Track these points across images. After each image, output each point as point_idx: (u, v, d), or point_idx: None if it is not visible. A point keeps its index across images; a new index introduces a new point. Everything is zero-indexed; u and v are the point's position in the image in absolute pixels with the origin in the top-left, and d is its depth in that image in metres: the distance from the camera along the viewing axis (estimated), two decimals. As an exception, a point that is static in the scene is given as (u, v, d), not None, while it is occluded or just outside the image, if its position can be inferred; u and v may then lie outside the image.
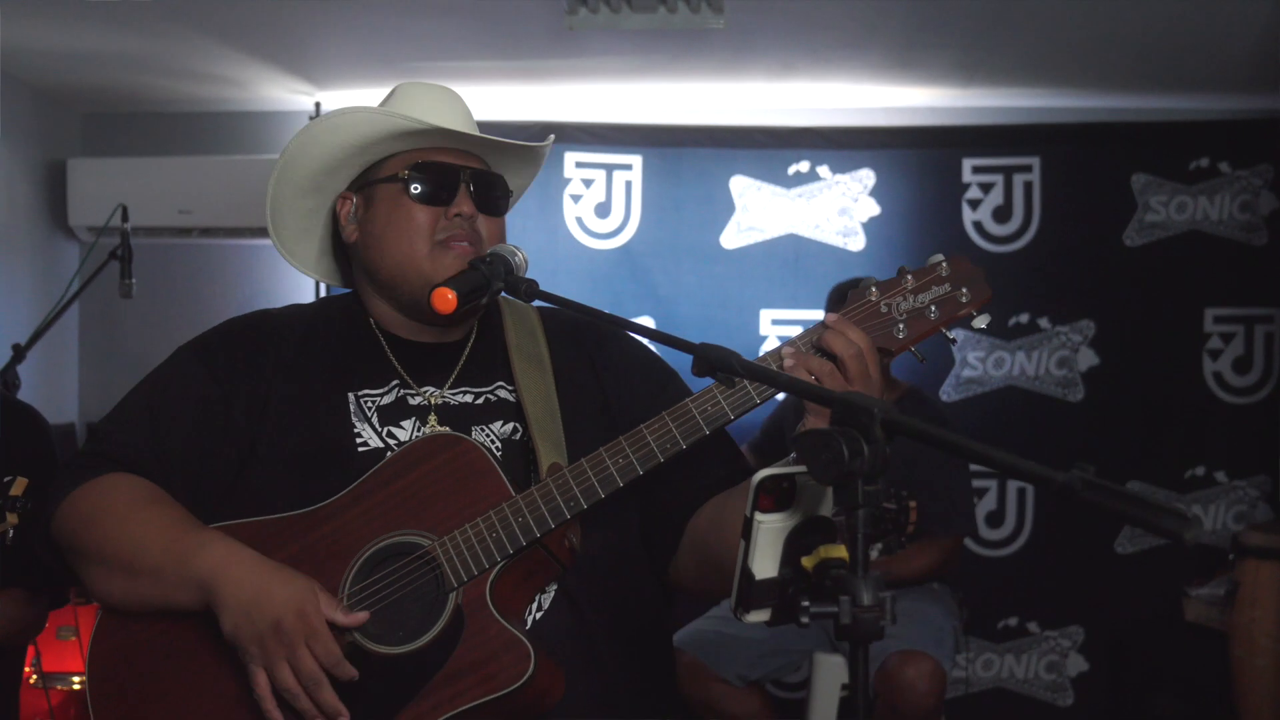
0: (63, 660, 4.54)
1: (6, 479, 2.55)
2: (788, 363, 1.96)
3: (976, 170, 5.89)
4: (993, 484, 5.84)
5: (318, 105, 6.11)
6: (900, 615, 4.28)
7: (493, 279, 2.01)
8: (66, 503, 2.14)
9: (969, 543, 5.59)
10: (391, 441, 2.14)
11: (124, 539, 2.07)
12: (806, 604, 1.49)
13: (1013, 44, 5.31)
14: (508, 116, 5.78)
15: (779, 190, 5.92)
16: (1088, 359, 5.84)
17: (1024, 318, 5.82)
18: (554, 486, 1.99)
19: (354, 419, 2.16)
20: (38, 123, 6.18)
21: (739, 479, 2.17)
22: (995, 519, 5.86)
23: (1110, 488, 1.31)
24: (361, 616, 1.99)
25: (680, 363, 2.04)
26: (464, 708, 1.95)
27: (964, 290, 2.01)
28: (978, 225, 5.89)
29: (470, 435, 2.14)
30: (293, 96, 6.18)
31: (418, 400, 2.18)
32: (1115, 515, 1.31)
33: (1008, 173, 5.88)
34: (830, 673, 4.61)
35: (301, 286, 6.21)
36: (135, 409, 2.22)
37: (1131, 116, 5.97)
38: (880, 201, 5.92)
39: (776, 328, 5.91)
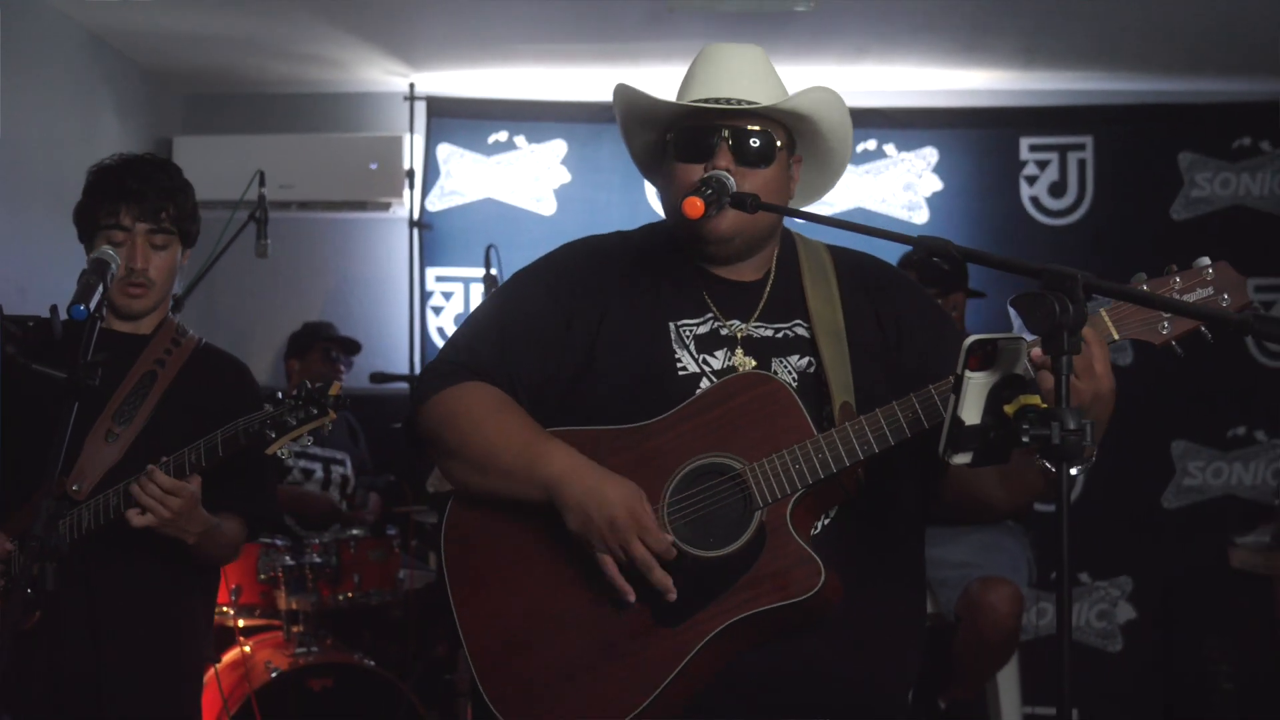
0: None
1: (318, 385, 2.84)
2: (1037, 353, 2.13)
3: (1033, 149, 6.29)
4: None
5: (411, 87, 6.47)
6: (979, 546, 4.76)
7: (721, 193, 2.37)
8: (431, 402, 2.49)
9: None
10: (706, 368, 2.48)
11: (480, 441, 2.43)
12: (1027, 426, 1.87)
13: (1074, 29, 5.70)
14: (602, 98, 6.09)
15: (849, 167, 6.26)
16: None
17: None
18: (851, 431, 2.31)
19: (674, 345, 2.50)
20: (146, 102, 6.56)
21: None
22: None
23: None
24: (668, 538, 2.34)
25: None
26: (759, 609, 2.31)
27: (1225, 295, 2.26)
28: (1034, 200, 6.29)
29: (771, 366, 2.48)
30: (388, 78, 6.54)
31: (726, 332, 2.51)
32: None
33: (1063, 151, 6.28)
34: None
35: (398, 257, 6.58)
36: (485, 326, 2.58)
37: (1179, 98, 6.37)
38: (943, 178, 6.33)
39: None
